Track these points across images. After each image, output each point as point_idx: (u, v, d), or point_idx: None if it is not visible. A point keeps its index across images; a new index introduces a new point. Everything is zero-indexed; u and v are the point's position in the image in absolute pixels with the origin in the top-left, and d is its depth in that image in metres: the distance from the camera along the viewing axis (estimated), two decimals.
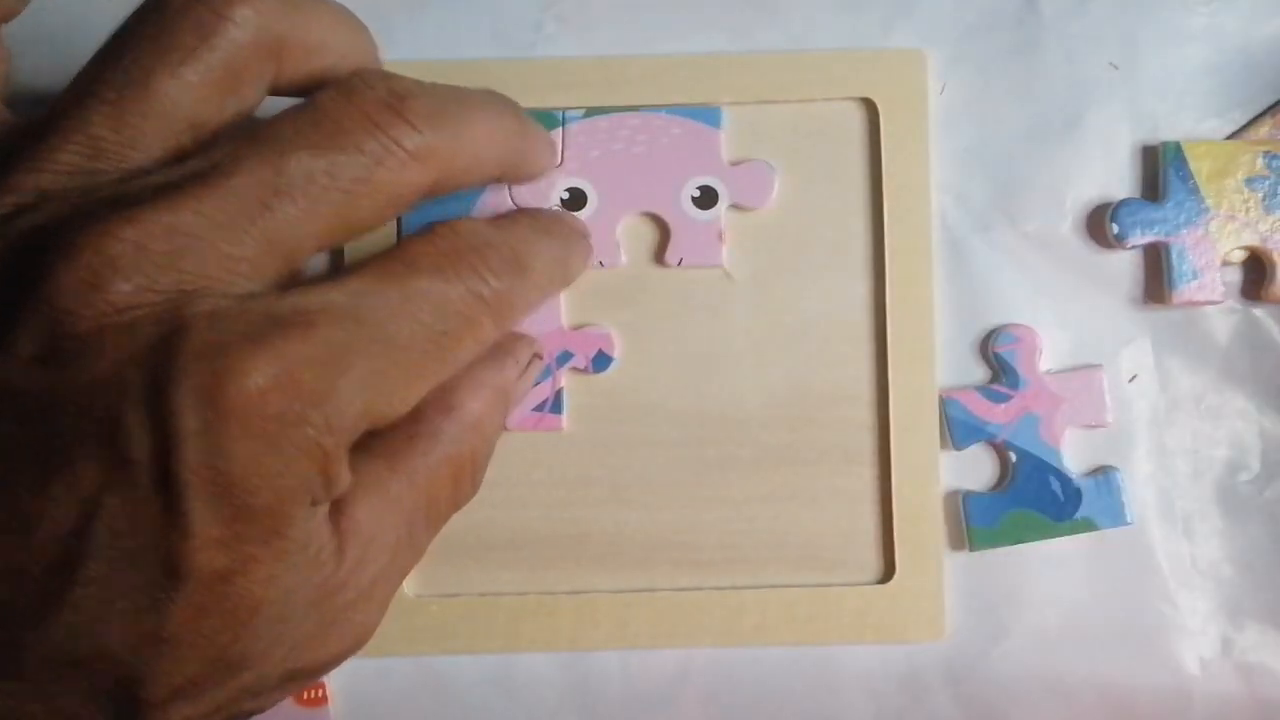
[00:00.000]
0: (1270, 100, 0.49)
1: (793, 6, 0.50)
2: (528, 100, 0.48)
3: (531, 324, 0.48)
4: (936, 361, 0.49)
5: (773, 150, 0.49)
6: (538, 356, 0.47)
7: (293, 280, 0.37)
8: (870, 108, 0.49)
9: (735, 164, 0.49)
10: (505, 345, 0.45)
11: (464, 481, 0.42)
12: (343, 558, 0.37)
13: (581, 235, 0.48)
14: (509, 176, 0.46)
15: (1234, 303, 0.49)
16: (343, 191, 0.36)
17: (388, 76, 0.39)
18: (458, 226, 0.40)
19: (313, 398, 0.34)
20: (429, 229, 0.40)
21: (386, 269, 0.38)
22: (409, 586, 0.48)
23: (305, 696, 0.48)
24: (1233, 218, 0.48)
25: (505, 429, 0.45)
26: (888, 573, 0.49)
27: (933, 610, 0.48)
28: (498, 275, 0.40)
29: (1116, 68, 0.49)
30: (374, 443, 0.40)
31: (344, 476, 0.36)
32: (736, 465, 0.49)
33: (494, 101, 0.43)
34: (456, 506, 0.43)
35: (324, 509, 0.37)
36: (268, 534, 0.34)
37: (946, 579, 0.49)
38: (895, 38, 0.49)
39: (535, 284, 0.43)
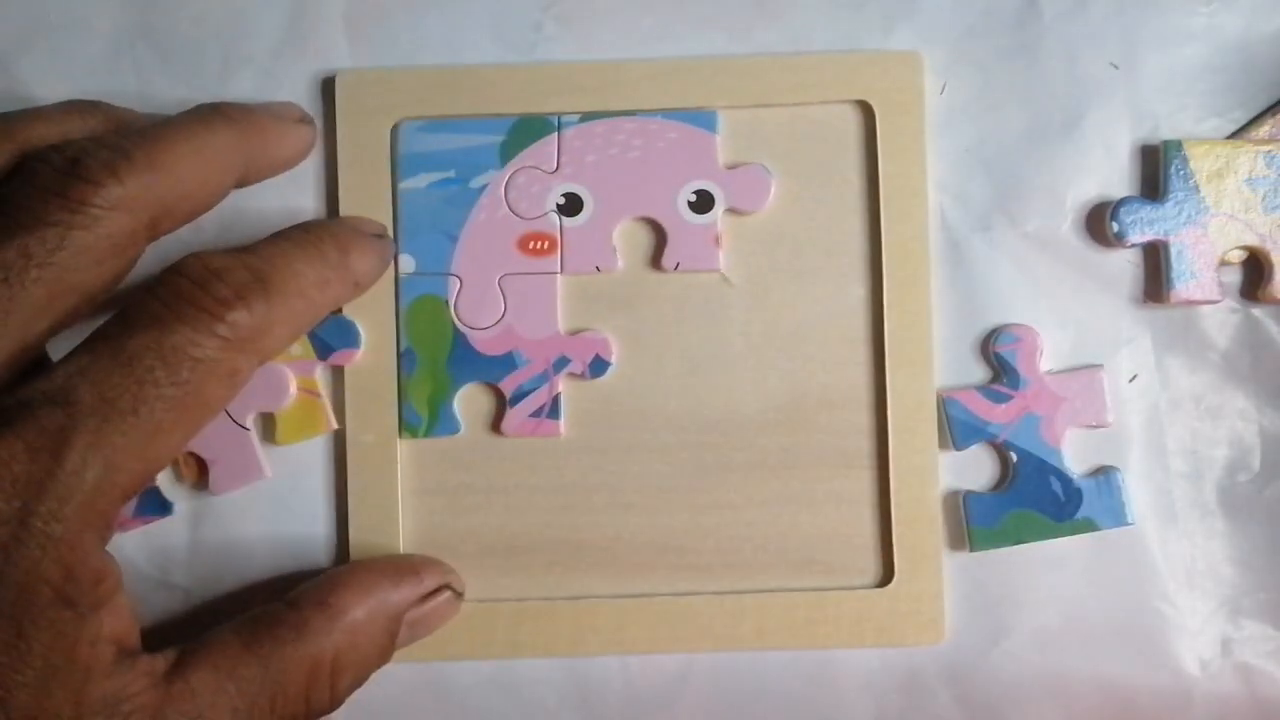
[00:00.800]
0: (1270, 100, 0.49)
1: (793, 6, 0.49)
2: (523, 105, 0.49)
3: (527, 328, 0.48)
4: (934, 365, 0.49)
5: (769, 154, 0.49)
6: (454, 591, 0.46)
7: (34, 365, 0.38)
8: (867, 110, 0.49)
9: (731, 168, 0.49)
10: (414, 564, 0.45)
11: (320, 684, 0.40)
12: (160, 716, 0.36)
13: (362, 234, 0.46)
14: (254, 177, 0.46)
15: (1233, 303, 0.49)
16: (48, 278, 0.37)
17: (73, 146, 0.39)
18: (181, 265, 0.39)
19: (27, 488, 0.34)
20: (156, 277, 0.39)
21: (104, 335, 0.37)
22: None
23: None
24: (1233, 218, 0.48)
25: (392, 651, 0.44)
26: (886, 576, 0.49)
27: (932, 613, 0.48)
28: (234, 306, 0.38)
29: (1116, 68, 0.49)
30: (243, 617, 0.40)
31: (96, 569, 0.36)
32: (735, 469, 0.49)
33: (196, 119, 0.43)
34: (309, 712, 0.41)
35: (145, 659, 0.37)
36: (11, 637, 0.34)
37: (946, 579, 0.49)
38: (895, 37, 0.49)
39: (294, 301, 0.41)
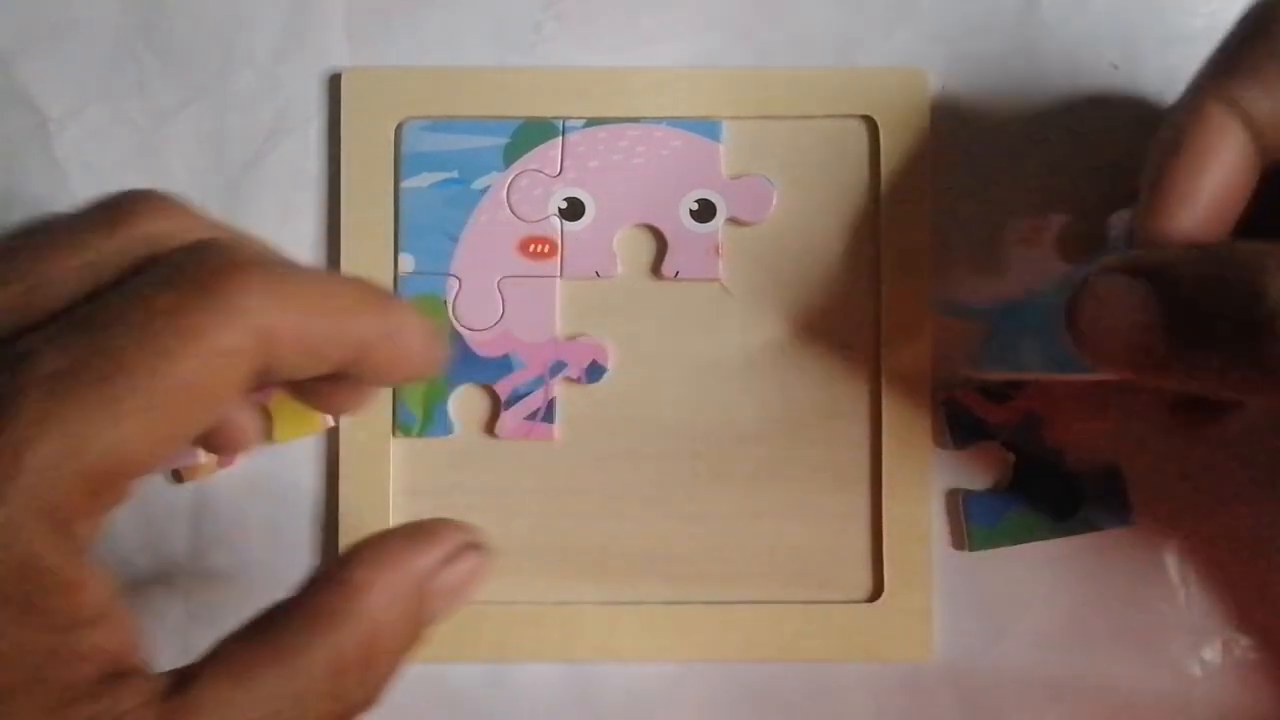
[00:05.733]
0: None
1: (793, 5, 0.49)
2: (528, 108, 0.49)
3: (525, 331, 0.49)
4: (931, 381, 0.48)
5: (772, 165, 0.49)
6: (475, 547, 0.39)
7: None
8: (871, 125, 0.49)
9: (734, 178, 0.49)
10: (427, 526, 0.38)
11: (349, 680, 0.35)
12: None
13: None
14: (367, 369, 0.36)
15: None
16: None
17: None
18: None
19: None
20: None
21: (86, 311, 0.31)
22: None
23: None
24: None
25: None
26: (876, 591, 0.49)
27: (920, 631, 0.48)
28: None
29: (1116, 68, 0.49)
30: (252, 617, 0.35)
31: (66, 578, 0.30)
32: (728, 480, 0.49)
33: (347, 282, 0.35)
34: (344, 712, 0.35)
35: (141, 678, 0.32)
36: None
37: (945, 580, 0.49)
38: (896, 37, 0.49)
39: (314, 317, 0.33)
